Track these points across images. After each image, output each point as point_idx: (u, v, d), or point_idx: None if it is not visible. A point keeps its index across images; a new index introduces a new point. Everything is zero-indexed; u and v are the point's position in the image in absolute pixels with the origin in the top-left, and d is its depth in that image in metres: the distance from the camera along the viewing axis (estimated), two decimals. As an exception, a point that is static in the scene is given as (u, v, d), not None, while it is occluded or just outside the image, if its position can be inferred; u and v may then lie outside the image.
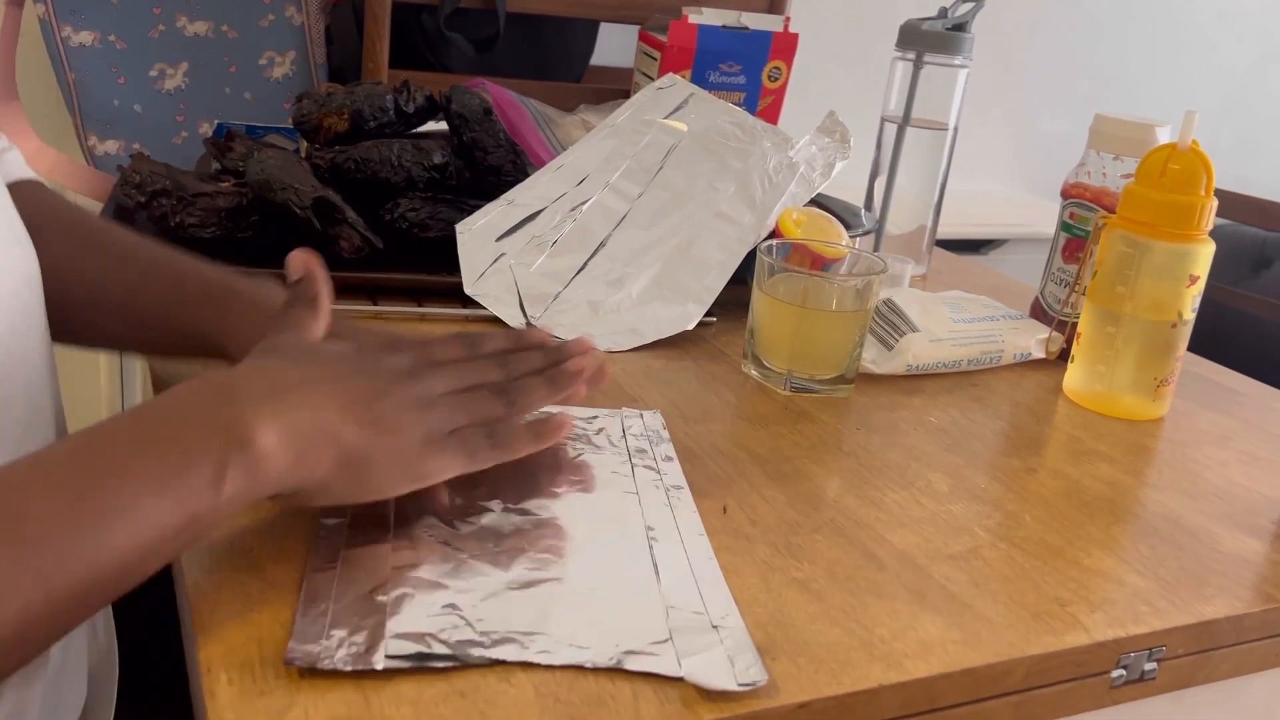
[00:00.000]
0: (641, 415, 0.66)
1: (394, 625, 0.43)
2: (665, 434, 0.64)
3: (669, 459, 0.61)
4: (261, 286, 0.61)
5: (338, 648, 0.41)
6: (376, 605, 0.44)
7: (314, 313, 0.52)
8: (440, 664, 0.41)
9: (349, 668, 0.40)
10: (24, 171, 0.67)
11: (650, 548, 0.51)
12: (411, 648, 0.42)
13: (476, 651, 0.42)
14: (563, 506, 0.54)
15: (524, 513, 0.53)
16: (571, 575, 0.48)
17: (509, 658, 0.42)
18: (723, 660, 0.44)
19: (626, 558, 0.50)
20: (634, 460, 0.60)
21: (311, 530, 0.49)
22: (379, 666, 0.40)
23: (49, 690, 0.53)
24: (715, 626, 0.46)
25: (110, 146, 1.07)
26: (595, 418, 0.64)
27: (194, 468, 0.41)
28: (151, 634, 0.69)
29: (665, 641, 0.44)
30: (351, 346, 0.51)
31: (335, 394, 0.46)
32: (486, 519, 0.52)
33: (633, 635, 0.44)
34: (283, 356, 0.49)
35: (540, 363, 0.56)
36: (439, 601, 0.45)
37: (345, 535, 0.49)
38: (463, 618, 0.44)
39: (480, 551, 0.49)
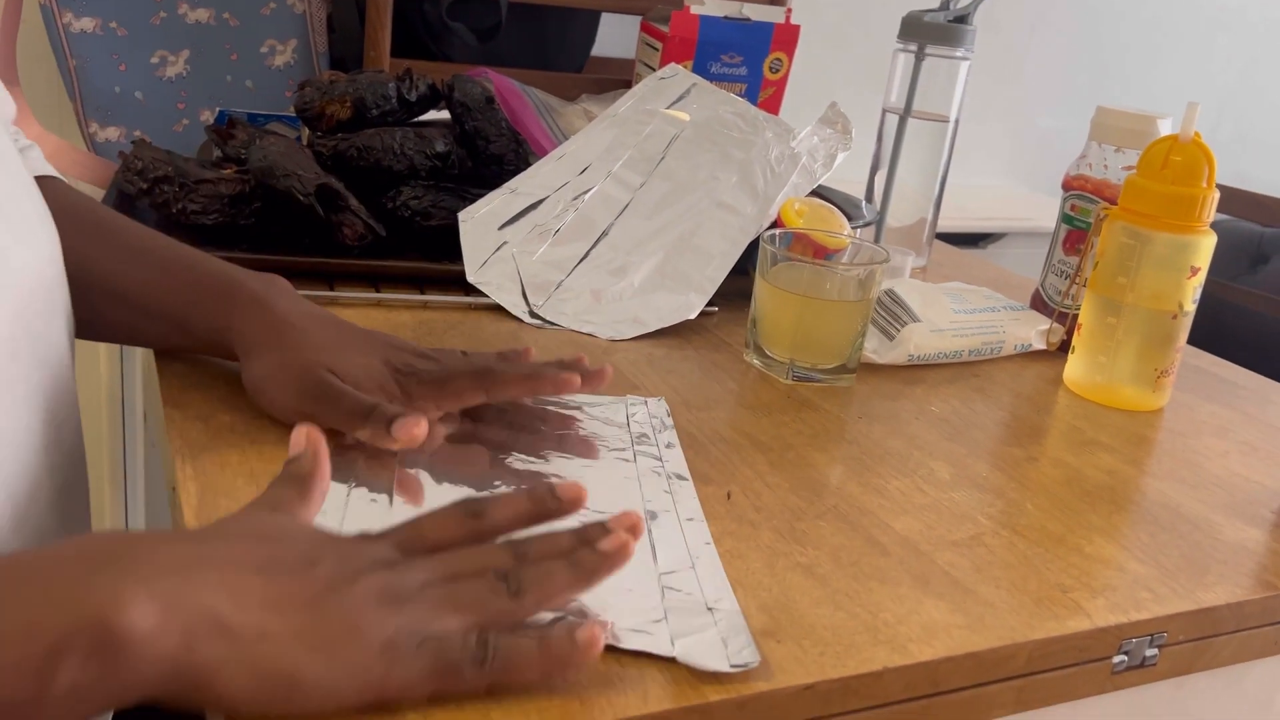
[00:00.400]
0: (645, 402, 0.66)
1: None
2: (669, 421, 0.64)
3: (671, 446, 0.61)
4: (270, 285, 0.61)
5: None
6: None
7: (302, 493, 0.43)
8: None
9: None
10: (45, 168, 0.67)
11: (649, 530, 0.51)
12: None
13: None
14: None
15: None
16: None
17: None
18: (716, 642, 0.44)
19: None
20: (636, 446, 0.60)
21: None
22: None
23: None
24: (710, 609, 0.46)
25: (111, 133, 1.07)
26: (599, 405, 0.65)
27: (9, 644, 0.31)
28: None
29: (660, 621, 0.44)
30: (325, 532, 0.42)
31: (270, 585, 0.37)
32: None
33: (627, 613, 0.44)
34: (224, 533, 0.39)
35: (568, 543, 0.43)
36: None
37: (348, 515, 0.49)
38: None
39: None
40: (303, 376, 0.56)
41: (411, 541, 0.42)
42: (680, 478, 0.57)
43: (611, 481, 0.56)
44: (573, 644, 0.39)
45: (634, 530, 0.43)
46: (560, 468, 0.57)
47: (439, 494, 0.53)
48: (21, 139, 0.66)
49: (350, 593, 0.38)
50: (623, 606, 0.45)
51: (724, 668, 0.42)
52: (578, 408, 0.64)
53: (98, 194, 0.97)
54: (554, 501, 0.45)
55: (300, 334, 0.58)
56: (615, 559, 0.42)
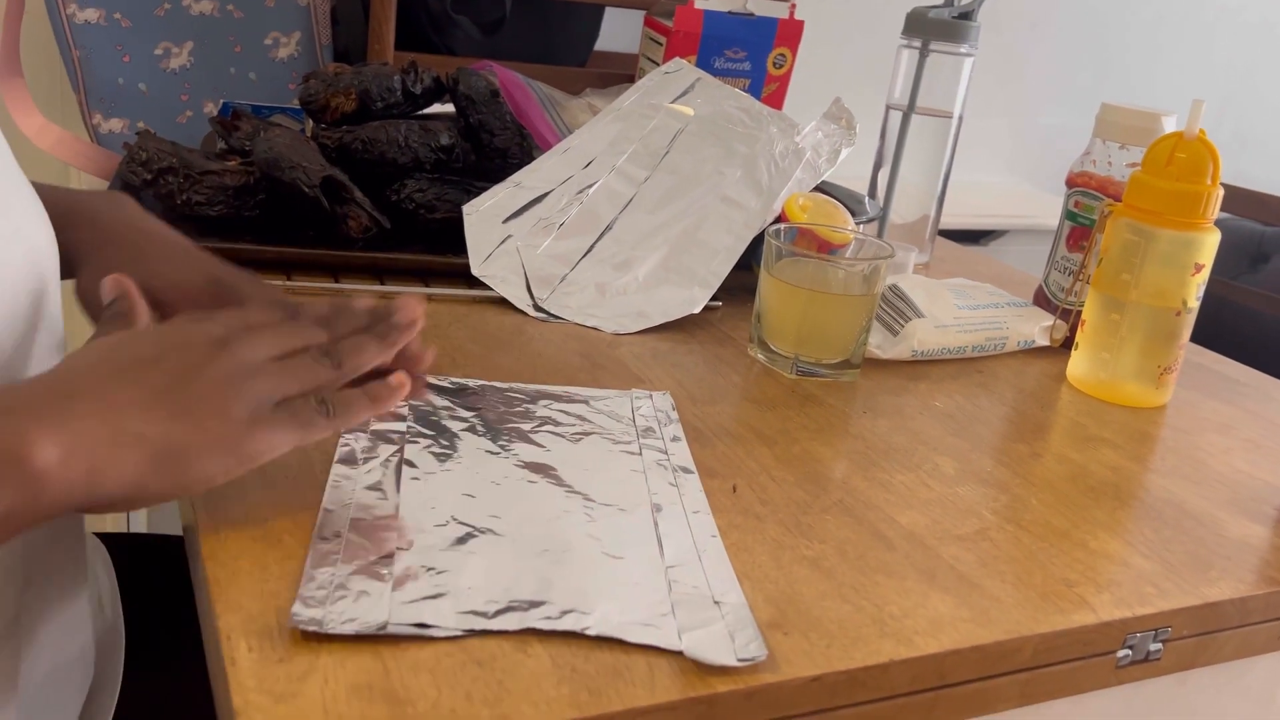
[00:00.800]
0: (651, 396, 0.66)
1: (399, 595, 0.43)
2: (674, 415, 0.64)
3: (677, 439, 0.61)
4: (111, 201, 0.61)
5: (342, 613, 0.41)
6: (381, 573, 0.44)
7: (129, 324, 0.49)
8: (442, 633, 0.42)
9: (352, 632, 0.40)
10: None
11: (655, 523, 0.52)
12: (413, 615, 0.42)
13: (479, 624, 0.42)
14: (568, 474, 0.55)
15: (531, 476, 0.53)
16: (575, 547, 0.49)
17: (509, 627, 0.42)
18: (723, 636, 0.44)
19: (630, 531, 0.51)
20: (642, 440, 0.60)
21: (323, 499, 0.49)
22: (382, 632, 0.41)
23: (53, 672, 0.54)
24: (717, 602, 0.46)
25: (114, 125, 1.07)
26: (605, 398, 0.65)
27: None
28: (158, 606, 0.69)
29: (667, 615, 0.45)
30: (158, 327, 0.48)
31: (136, 389, 0.43)
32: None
33: (634, 607, 0.45)
34: (78, 362, 0.45)
35: (365, 320, 0.51)
36: (442, 570, 0.45)
37: (353, 505, 0.49)
38: (467, 587, 0.44)
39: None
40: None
41: (238, 325, 0.48)
42: (686, 470, 0.57)
43: (618, 475, 0.56)
44: (389, 388, 0.49)
45: (414, 312, 0.51)
46: (563, 456, 0.57)
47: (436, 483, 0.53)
48: None
49: (208, 374, 0.44)
50: (630, 600, 0.45)
51: (731, 661, 0.42)
52: (584, 401, 0.64)
53: (102, 186, 0.97)
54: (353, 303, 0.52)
55: (122, 247, 0.58)
56: (408, 329, 0.50)
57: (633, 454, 0.58)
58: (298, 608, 0.41)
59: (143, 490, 0.42)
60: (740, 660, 0.42)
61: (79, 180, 1.14)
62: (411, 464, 0.54)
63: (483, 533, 0.49)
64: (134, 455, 0.41)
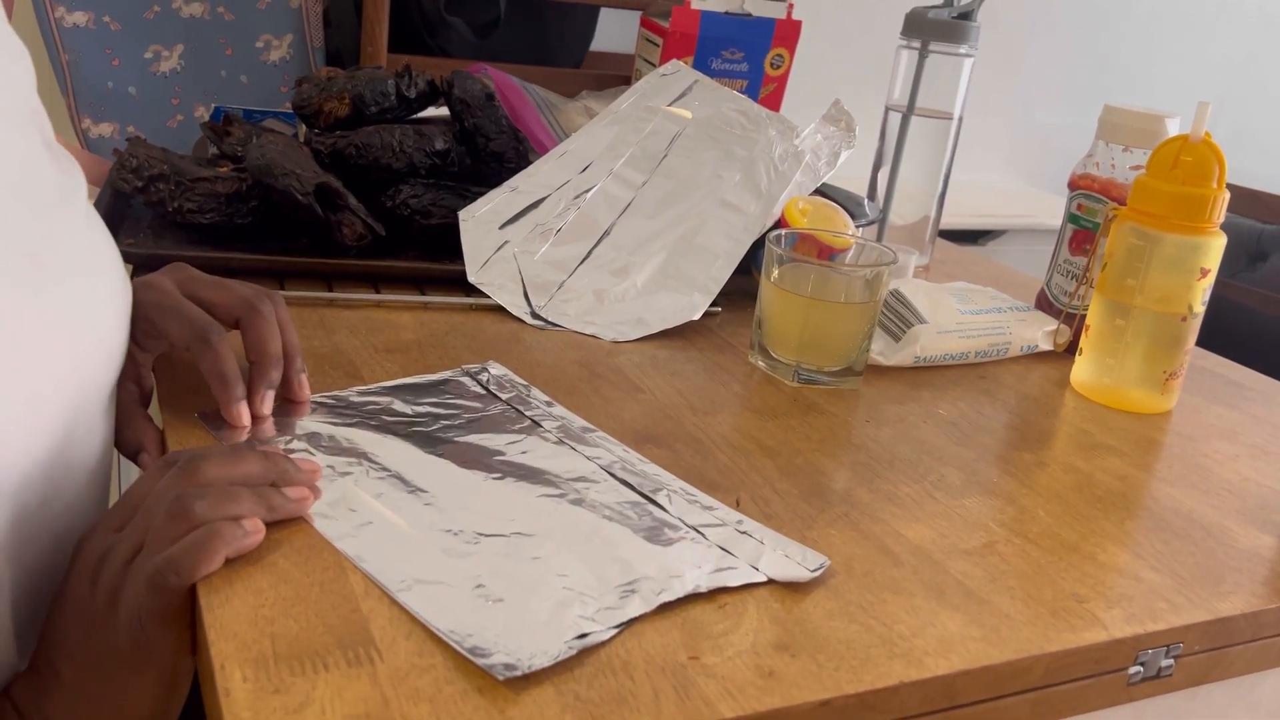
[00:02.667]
0: (486, 368, 0.67)
1: (534, 616, 0.44)
2: (519, 378, 0.66)
3: (550, 403, 0.63)
4: None
5: (520, 647, 0.41)
6: (496, 598, 0.44)
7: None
8: (603, 636, 0.43)
9: (545, 665, 0.41)
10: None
11: (629, 484, 0.55)
12: (572, 630, 0.43)
13: (619, 616, 0.44)
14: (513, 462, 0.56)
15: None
16: (602, 527, 0.50)
17: (644, 609, 0.45)
18: (780, 558, 0.49)
19: (615, 499, 0.53)
20: (520, 410, 0.62)
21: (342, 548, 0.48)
22: (559, 660, 0.41)
23: None
24: (744, 533, 0.51)
25: (104, 129, 1.06)
26: (443, 382, 0.64)
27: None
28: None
29: (728, 557, 0.49)
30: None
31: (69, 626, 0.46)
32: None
33: (703, 561, 0.48)
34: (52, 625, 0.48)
35: (257, 474, 0.49)
36: (530, 581, 0.46)
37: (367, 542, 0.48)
38: (565, 588, 0.45)
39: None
40: None
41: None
42: (588, 429, 0.60)
43: (543, 452, 0.57)
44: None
45: (312, 483, 0.50)
46: (481, 445, 0.57)
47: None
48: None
49: (103, 621, 0.45)
50: (692, 557, 0.49)
51: (806, 576, 0.48)
52: (432, 386, 0.63)
53: (92, 193, 0.96)
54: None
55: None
56: (297, 508, 0.48)
57: (530, 427, 0.60)
58: (491, 661, 0.40)
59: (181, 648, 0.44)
60: (813, 571, 0.49)
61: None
62: (371, 493, 0.51)
63: (514, 536, 0.49)
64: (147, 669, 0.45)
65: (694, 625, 0.45)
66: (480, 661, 0.40)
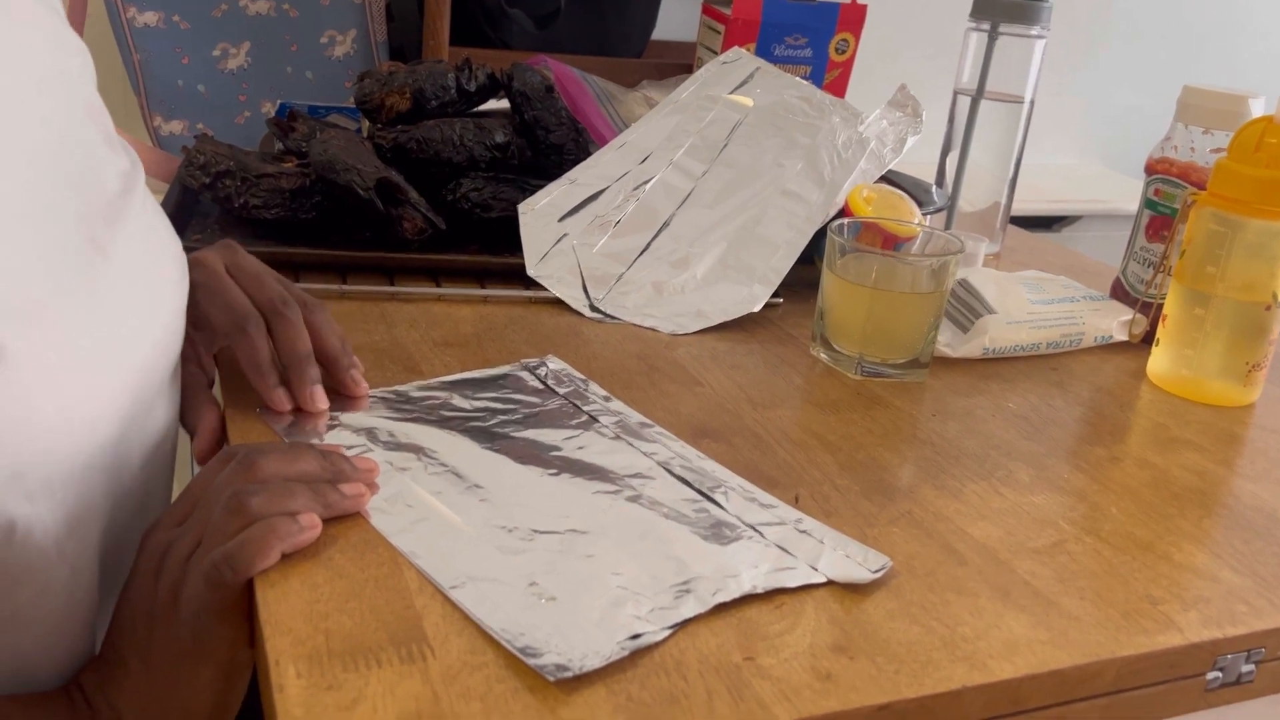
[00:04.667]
0: (545, 362, 0.66)
1: (585, 616, 0.43)
2: (577, 372, 0.65)
3: (608, 398, 0.62)
4: None
5: (572, 648, 0.41)
6: (548, 597, 0.44)
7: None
8: (656, 637, 0.42)
9: (596, 667, 0.40)
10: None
11: (687, 482, 0.54)
12: (625, 630, 0.42)
13: (672, 617, 0.43)
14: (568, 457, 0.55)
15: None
16: (658, 525, 0.50)
17: (700, 610, 0.44)
18: (841, 559, 0.48)
19: (674, 496, 0.52)
20: (578, 404, 0.61)
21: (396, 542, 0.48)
22: (610, 661, 0.41)
23: None
24: (803, 532, 0.50)
25: (175, 126, 1.08)
26: (502, 376, 0.64)
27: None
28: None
29: (786, 556, 0.48)
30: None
31: (143, 637, 0.47)
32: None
33: (760, 561, 0.48)
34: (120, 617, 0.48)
35: (314, 470, 0.50)
36: (581, 579, 0.45)
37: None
38: (620, 587, 0.45)
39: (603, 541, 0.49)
40: None
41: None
42: (645, 424, 0.59)
43: (600, 447, 0.57)
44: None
45: (369, 480, 0.50)
46: (539, 441, 0.57)
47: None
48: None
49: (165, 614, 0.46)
50: (749, 557, 0.48)
51: (867, 578, 0.47)
52: (491, 381, 0.63)
53: (162, 189, 0.98)
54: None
55: None
56: (352, 504, 0.48)
57: (587, 422, 0.59)
58: (543, 661, 0.40)
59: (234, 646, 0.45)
60: (874, 572, 0.47)
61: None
62: (427, 488, 0.51)
63: (569, 534, 0.48)
64: (202, 666, 0.46)
65: (749, 625, 0.44)
66: (531, 661, 0.40)
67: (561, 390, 0.63)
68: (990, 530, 0.53)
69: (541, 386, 0.63)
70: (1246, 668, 0.49)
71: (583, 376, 0.65)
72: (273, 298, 0.58)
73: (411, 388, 0.62)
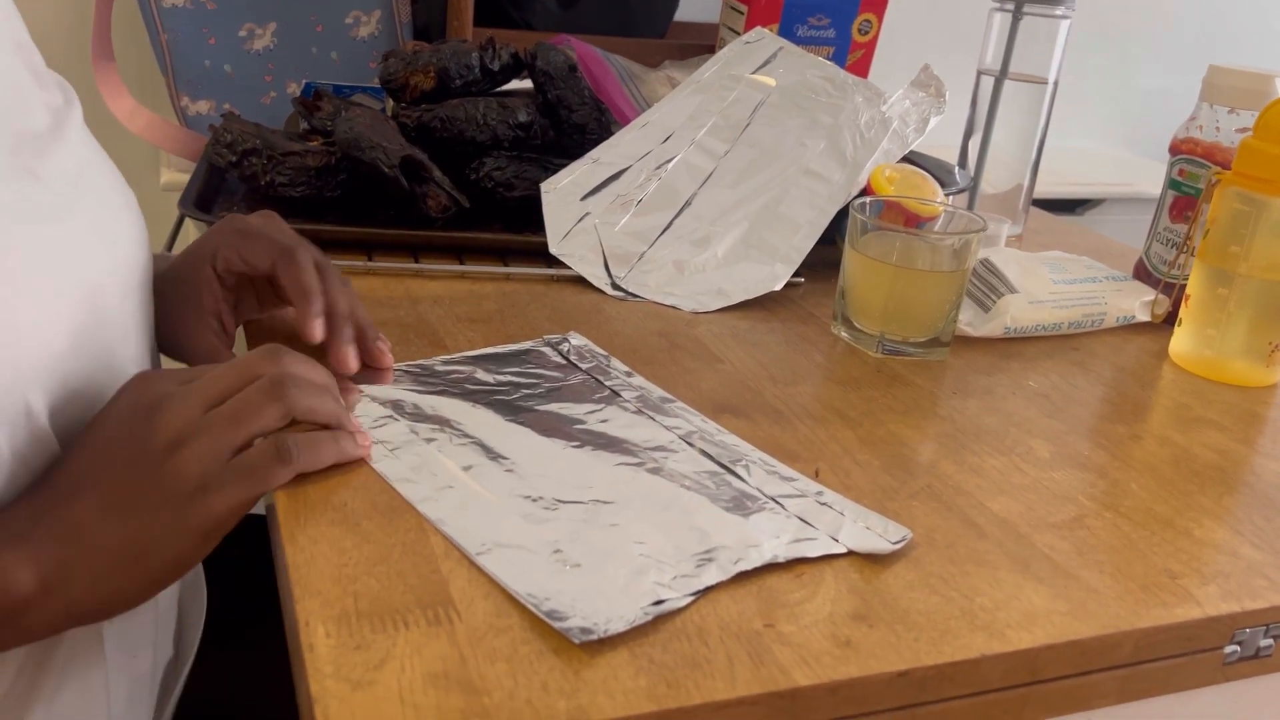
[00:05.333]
0: (567, 338, 0.67)
1: (611, 583, 0.44)
2: (599, 349, 0.66)
3: (630, 373, 0.63)
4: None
5: (596, 612, 0.42)
6: (574, 564, 0.45)
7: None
8: (677, 604, 0.43)
9: (621, 630, 0.41)
10: None
11: (738, 475, 0.53)
12: (649, 597, 0.43)
13: (694, 584, 0.44)
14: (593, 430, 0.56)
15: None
16: (680, 497, 0.50)
17: (721, 578, 0.45)
18: (861, 530, 0.49)
19: (694, 469, 0.53)
20: (600, 379, 0.62)
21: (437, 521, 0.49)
22: (634, 625, 0.42)
23: (133, 636, 0.55)
24: (824, 504, 0.51)
25: (202, 106, 1.09)
26: (525, 352, 0.64)
27: None
28: (241, 583, 0.71)
29: (807, 527, 0.49)
30: (111, 410, 0.47)
31: (92, 496, 0.44)
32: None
33: (781, 531, 0.48)
34: (56, 474, 0.45)
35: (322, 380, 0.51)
36: (608, 549, 0.46)
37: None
38: (642, 555, 0.46)
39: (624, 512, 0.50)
40: None
41: (177, 380, 0.48)
42: (667, 400, 0.60)
43: (622, 421, 0.57)
44: (353, 441, 0.50)
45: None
46: (563, 413, 0.58)
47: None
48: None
49: (151, 453, 0.44)
50: (770, 527, 0.48)
51: (887, 549, 0.48)
52: (514, 356, 0.64)
53: (189, 167, 0.99)
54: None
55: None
56: (352, 392, 0.54)
57: (609, 397, 0.60)
58: (568, 625, 0.41)
59: (120, 594, 0.44)
60: (894, 544, 0.48)
61: (168, 162, 1.17)
62: (453, 458, 0.52)
63: (593, 504, 0.49)
64: (96, 566, 0.43)
65: (770, 594, 0.45)
66: (557, 625, 0.41)
67: (584, 366, 0.64)
68: (1010, 505, 0.54)
69: (564, 362, 0.64)
70: (1265, 642, 0.49)
71: (604, 353, 0.66)
72: (315, 254, 0.59)
73: (436, 362, 0.62)
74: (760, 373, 0.66)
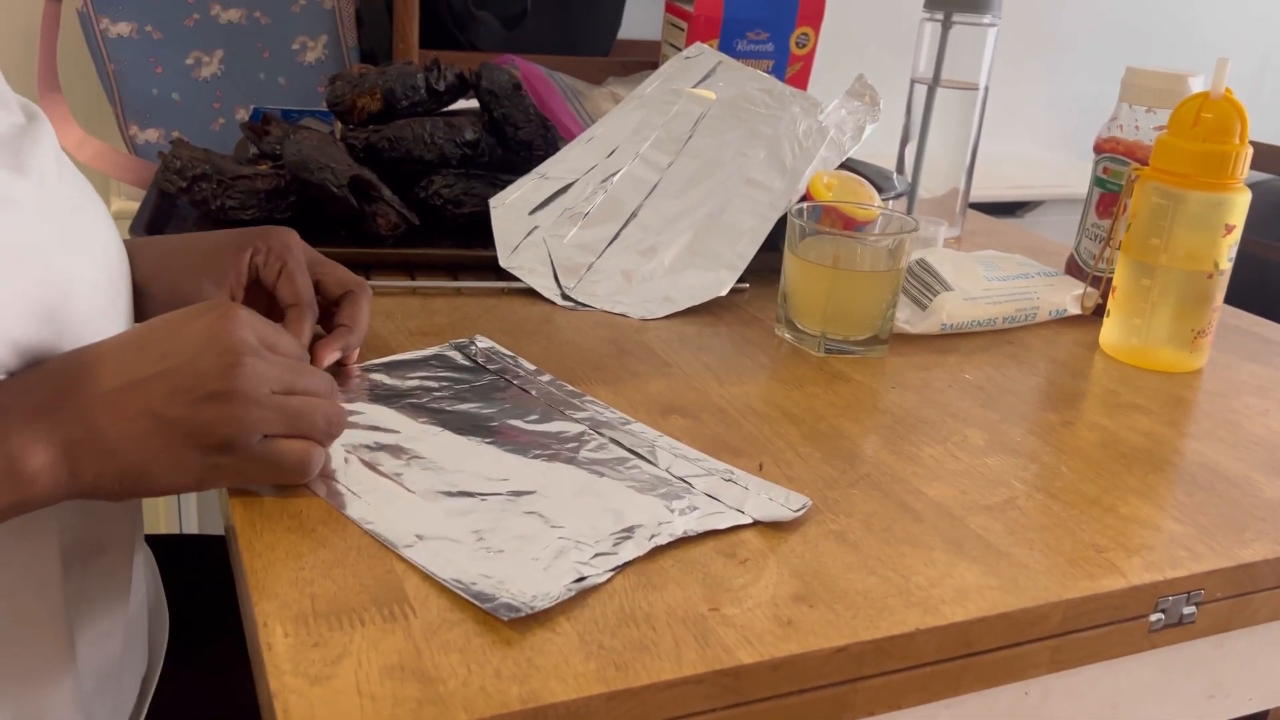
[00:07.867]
0: (474, 341, 0.69)
1: (534, 562, 0.46)
2: (506, 350, 0.68)
3: (538, 371, 0.65)
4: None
5: (522, 593, 0.44)
6: (496, 550, 0.47)
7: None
8: (597, 580, 0.45)
9: (545, 606, 0.43)
10: None
11: (615, 441, 0.57)
12: (571, 574, 0.45)
13: (613, 561, 0.47)
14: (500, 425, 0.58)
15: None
16: (595, 482, 0.53)
17: (638, 553, 0.47)
18: (764, 501, 0.52)
19: (605, 455, 0.56)
20: (509, 379, 0.64)
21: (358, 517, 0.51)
22: (556, 602, 0.44)
23: (105, 661, 0.56)
24: (729, 480, 0.54)
25: (150, 135, 1.09)
26: (431, 356, 0.66)
27: None
28: (203, 603, 0.71)
29: (715, 502, 0.52)
30: (196, 319, 0.48)
31: (134, 399, 0.45)
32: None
33: (691, 508, 0.51)
34: (103, 349, 0.47)
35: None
36: (525, 534, 0.48)
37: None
38: (561, 537, 0.48)
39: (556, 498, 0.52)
40: None
41: (266, 341, 0.49)
42: (575, 394, 0.63)
43: (530, 411, 0.60)
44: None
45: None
46: (476, 411, 0.60)
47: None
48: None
49: (208, 395, 0.45)
50: (675, 508, 0.51)
51: (788, 516, 0.51)
52: (423, 362, 0.66)
53: (139, 195, 1.00)
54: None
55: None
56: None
57: (519, 394, 0.62)
58: (495, 604, 0.43)
59: (115, 492, 0.46)
60: (794, 512, 0.51)
61: (118, 190, 1.17)
62: (372, 461, 0.54)
63: (511, 495, 0.51)
64: (105, 468, 0.45)
65: (714, 580, 0.46)
66: (485, 606, 0.43)
67: (492, 367, 0.66)
68: (945, 490, 0.56)
69: (472, 364, 0.66)
70: (1188, 609, 0.51)
71: (511, 353, 0.68)
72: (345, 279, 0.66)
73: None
74: (706, 375, 0.68)
